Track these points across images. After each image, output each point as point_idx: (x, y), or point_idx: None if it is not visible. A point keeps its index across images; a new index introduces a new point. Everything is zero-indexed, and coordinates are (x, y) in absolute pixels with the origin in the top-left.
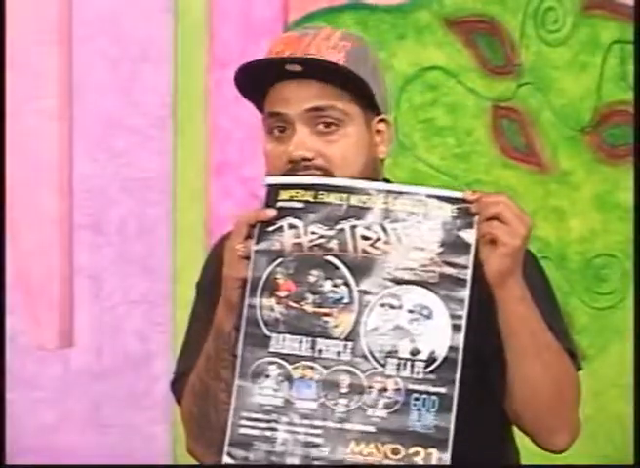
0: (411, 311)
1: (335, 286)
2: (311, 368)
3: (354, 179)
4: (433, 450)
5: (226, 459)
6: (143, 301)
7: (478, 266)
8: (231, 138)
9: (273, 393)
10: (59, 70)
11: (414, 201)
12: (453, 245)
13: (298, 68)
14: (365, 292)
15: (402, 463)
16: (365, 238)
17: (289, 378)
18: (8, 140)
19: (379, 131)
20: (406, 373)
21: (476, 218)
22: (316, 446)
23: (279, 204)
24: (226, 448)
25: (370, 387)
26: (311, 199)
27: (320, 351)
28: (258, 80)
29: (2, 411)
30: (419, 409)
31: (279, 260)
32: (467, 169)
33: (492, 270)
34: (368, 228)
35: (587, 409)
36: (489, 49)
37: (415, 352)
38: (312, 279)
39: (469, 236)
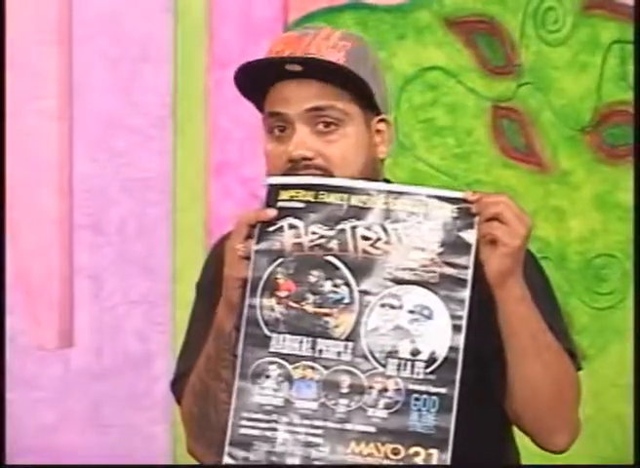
0: (411, 311)
1: (335, 286)
2: (312, 368)
3: (354, 179)
4: (433, 451)
5: (227, 459)
6: (143, 301)
7: (478, 266)
8: (231, 138)
9: (273, 393)
10: (59, 70)
11: (414, 201)
12: (453, 245)
13: (297, 68)
14: (365, 293)
15: (402, 463)
16: (365, 238)
17: (289, 378)
18: (8, 140)
19: (378, 131)
20: (406, 374)
21: (476, 219)
22: (316, 446)
23: (279, 204)
24: (227, 449)
25: (370, 387)
26: (312, 199)
27: (320, 351)
28: (258, 80)
29: (2, 411)
30: (419, 410)
31: (279, 260)
32: (467, 169)
33: (492, 270)
34: (368, 228)
35: (587, 409)
36: (489, 49)
37: (415, 352)
38: (313, 279)
39: (470, 236)
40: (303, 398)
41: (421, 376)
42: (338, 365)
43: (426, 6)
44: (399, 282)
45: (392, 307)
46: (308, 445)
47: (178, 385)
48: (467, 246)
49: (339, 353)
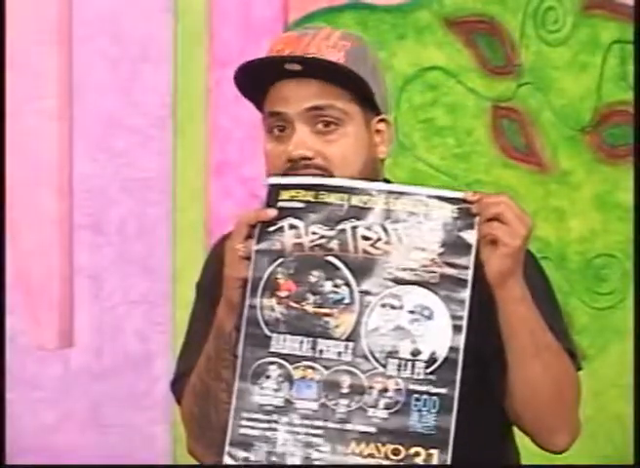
0: (412, 312)
1: (335, 286)
2: (312, 368)
3: (354, 179)
4: (434, 451)
5: (227, 460)
6: (143, 301)
7: (479, 267)
8: (231, 138)
9: (274, 393)
10: (59, 70)
11: (414, 201)
12: (453, 245)
13: (297, 67)
14: (366, 293)
15: (402, 464)
16: (366, 238)
17: (289, 379)
18: (8, 140)
19: (378, 131)
20: (407, 374)
21: (477, 219)
22: (317, 446)
23: (280, 204)
24: (227, 449)
25: (370, 388)
26: (312, 199)
27: (321, 351)
28: (257, 79)
29: (2, 411)
30: (419, 410)
31: (280, 260)
32: (467, 169)
33: (492, 271)
34: (369, 228)
35: (587, 410)
36: (489, 49)
37: (415, 352)
38: (313, 279)
39: (470, 236)
40: (304, 398)
41: (422, 377)
42: (338, 365)
43: (426, 6)
44: (399, 282)
45: (393, 307)
46: (309, 445)
47: (178, 385)
48: (468, 246)
49: (339, 353)
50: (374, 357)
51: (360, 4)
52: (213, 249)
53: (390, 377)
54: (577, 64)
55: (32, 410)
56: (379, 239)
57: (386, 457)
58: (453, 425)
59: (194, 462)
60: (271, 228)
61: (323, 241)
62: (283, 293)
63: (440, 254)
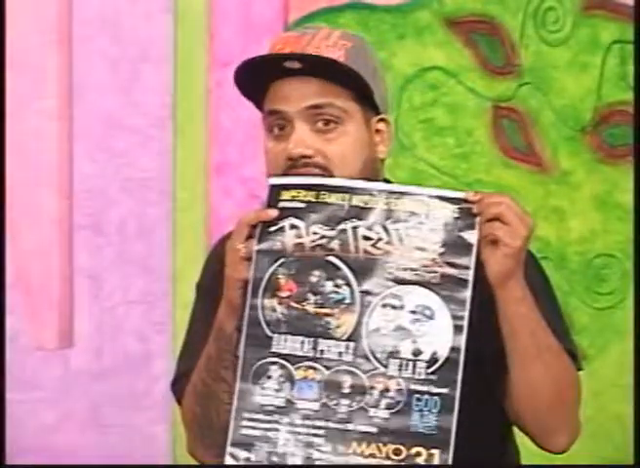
0: (413, 312)
1: (336, 286)
2: (313, 368)
3: (354, 179)
4: (435, 451)
5: (228, 460)
6: (143, 301)
7: (479, 267)
8: (231, 138)
9: (275, 393)
10: (59, 70)
11: (415, 201)
12: (454, 245)
13: (297, 65)
14: (367, 293)
15: (404, 464)
16: (367, 238)
17: (290, 379)
18: (8, 140)
19: (378, 130)
20: (408, 374)
21: (478, 219)
22: (318, 446)
23: (281, 204)
24: (228, 449)
25: (372, 388)
26: (313, 199)
27: (322, 351)
28: (257, 78)
29: (2, 411)
30: (420, 410)
31: (281, 261)
32: (468, 169)
33: (493, 271)
34: (370, 229)
35: (587, 410)
36: (489, 49)
37: (416, 353)
38: (314, 279)
39: (471, 237)
40: (305, 398)
41: (423, 377)
42: (339, 365)
43: (426, 6)
44: (400, 282)
45: (394, 307)
46: (310, 445)
47: (178, 385)
48: (469, 246)
49: (340, 353)
50: (375, 357)
51: (360, 4)
52: (213, 249)
53: (391, 377)
54: (577, 64)
55: (32, 411)
56: (379, 239)
57: (387, 457)
58: (454, 425)
59: (194, 462)
60: (272, 228)
61: (324, 241)
62: (284, 294)
63: (441, 254)
